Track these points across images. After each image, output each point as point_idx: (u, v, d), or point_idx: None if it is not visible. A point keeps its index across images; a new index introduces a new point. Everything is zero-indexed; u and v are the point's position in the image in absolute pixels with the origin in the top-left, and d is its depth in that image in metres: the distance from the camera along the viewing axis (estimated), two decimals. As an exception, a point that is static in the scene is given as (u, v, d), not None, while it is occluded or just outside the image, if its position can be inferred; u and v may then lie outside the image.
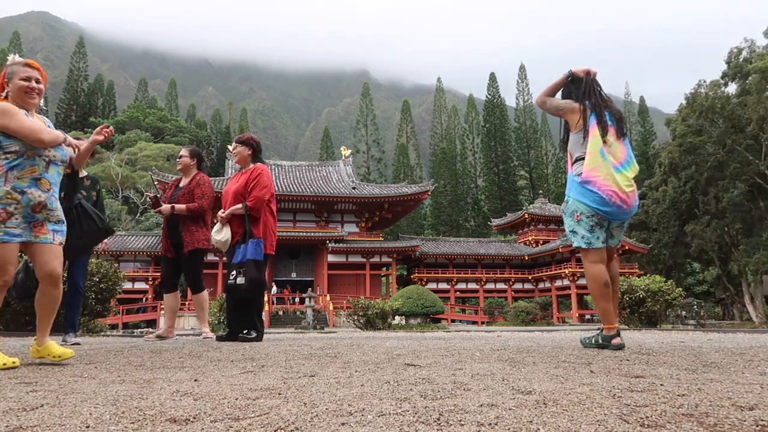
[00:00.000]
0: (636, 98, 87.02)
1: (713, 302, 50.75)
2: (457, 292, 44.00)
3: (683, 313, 29.97)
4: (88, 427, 1.40)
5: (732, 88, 39.03)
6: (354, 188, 41.98)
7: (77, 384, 2.26)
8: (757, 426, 1.28)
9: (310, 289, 35.82)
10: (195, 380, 2.34)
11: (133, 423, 1.43)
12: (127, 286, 32.01)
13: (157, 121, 78.36)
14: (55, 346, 3.03)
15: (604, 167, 3.48)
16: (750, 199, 36.94)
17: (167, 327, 5.97)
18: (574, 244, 3.71)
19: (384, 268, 42.80)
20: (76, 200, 4.97)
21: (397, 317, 25.54)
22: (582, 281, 40.42)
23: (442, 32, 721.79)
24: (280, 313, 35.76)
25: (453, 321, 39.45)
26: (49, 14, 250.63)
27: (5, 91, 3.03)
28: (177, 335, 6.77)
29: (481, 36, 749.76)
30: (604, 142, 3.53)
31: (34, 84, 3.04)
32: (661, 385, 1.99)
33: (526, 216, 47.77)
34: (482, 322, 39.22)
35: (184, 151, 6.04)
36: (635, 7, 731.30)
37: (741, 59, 37.61)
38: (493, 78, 78.81)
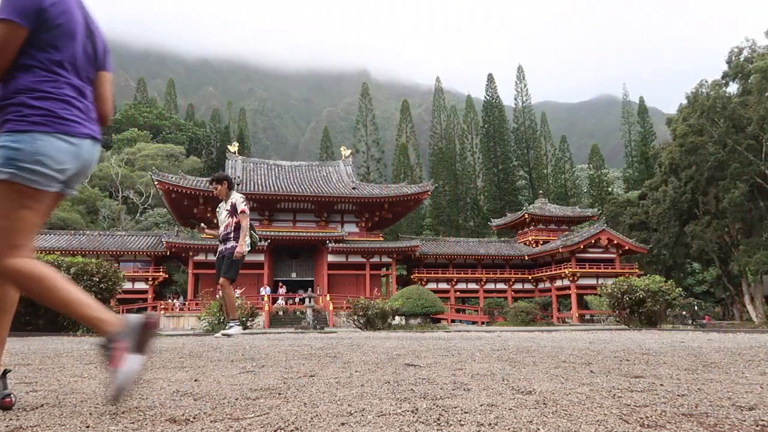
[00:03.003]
0: (635, 98, 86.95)
1: (713, 302, 50.70)
2: (457, 292, 43.94)
3: (684, 312, 29.94)
4: (88, 427, 1.40)
5: (733, 88, 39.04)
6: (354, 188, 41.95)
7: (77, 384, 2.26)
8: (757, 426, 1.28)
9: (310, 288, 35.78)
10: (195, 380, 2.34)
11: (133, 423, 1.43)
12: (127, 286, 31.98)
13: (155, 118, 78.24)
14: None
15: None
16: (750, 199, 36.92)
17: None
18: None
19: (384, 268, 42.75)
20: None
21: (397, 317, 25.51)
22: (582, 281, 40.41)
23: (441, 32, 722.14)
24: (280, 313, 35.70)
25: (453, 321, 39.38)
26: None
27: None
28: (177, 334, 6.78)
29: (479, 36, 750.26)
30: None
31: None
32: (661, 385, 1.99)
33: (526, 216, 47.75)
34: (482, 323, 39.18)
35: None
36: (635, 6, 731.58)
37: (742, 59, 37.61)
38: (491, 79, 78.77)
